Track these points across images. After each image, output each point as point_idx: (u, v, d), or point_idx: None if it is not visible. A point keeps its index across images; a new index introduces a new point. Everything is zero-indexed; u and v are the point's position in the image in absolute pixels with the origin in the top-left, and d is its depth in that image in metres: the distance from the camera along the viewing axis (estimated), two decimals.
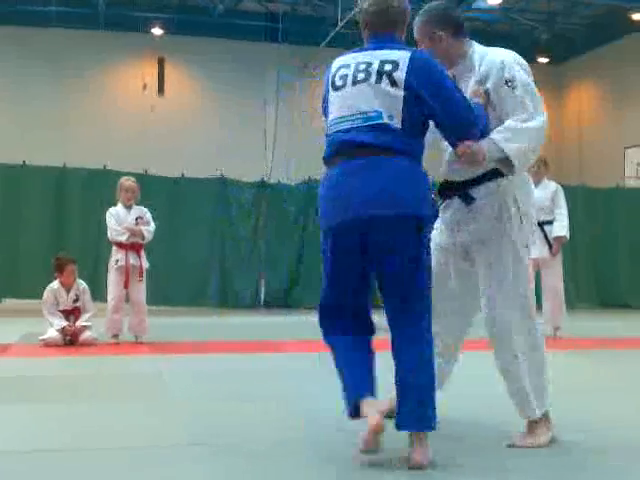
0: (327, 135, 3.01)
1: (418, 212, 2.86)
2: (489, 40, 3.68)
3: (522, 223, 3.18)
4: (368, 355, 2.98)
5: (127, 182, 7.31)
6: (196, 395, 4.45)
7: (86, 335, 6.86)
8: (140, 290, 7.21)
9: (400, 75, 2.85)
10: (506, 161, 3.05)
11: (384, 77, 2.86)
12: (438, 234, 3.33)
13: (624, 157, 17.76)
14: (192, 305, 12.27)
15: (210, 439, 3.29)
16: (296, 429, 3.50)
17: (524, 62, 3.21)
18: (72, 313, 6.94)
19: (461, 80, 3.21)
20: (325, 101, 3.07)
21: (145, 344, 7.02)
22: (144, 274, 7.21)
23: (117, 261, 7.11)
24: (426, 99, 2.86)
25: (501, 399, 3.30)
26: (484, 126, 3.03)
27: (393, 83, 2.85)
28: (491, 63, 3.17)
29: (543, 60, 18.63)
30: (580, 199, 12.82)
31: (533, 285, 3.30)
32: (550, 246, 7.56)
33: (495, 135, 3.04)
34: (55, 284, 7.00)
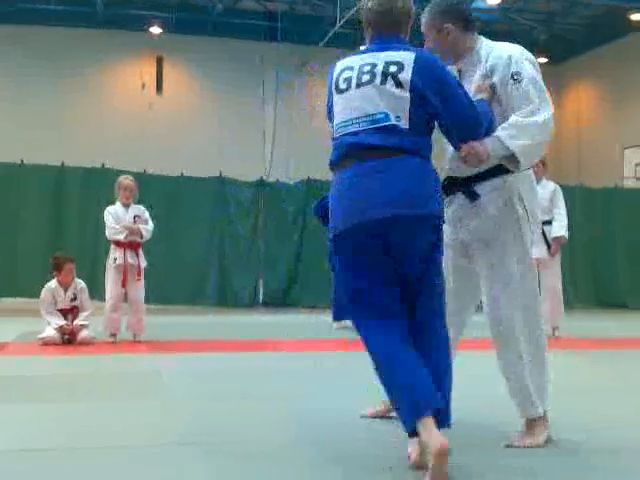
0: (334, 139, 2.98)
1: (435, 211, 2.87)
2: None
3: (528, 221, 3.18)
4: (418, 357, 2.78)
5: (125, 181, 7.30)
6: (194, 394, 4.44)
7: (84, 334, 6.85)
8: (138, 289, 7.20)
9: (405, 76, 2.83)
10: (512, 158, 3.04)
11: (389, 78, 2.84)
12: None
13: (623, 157, 17.78)
14: (190, 304, 12.26)
15: (208, 438, 3.29)
16: (295, 429, 3.49)
17: (532, 58, 3.18)
18: (70, 312, 6.93)
19: (467, 74, 3.21)
20: (329, 104, 3.04)
21: (143, 343, 7.01)
22: (142, 273, 7.20)
23: (115, 260, 7.11)
24: (431, 99, 2.85)
25: (501, 399, 3.29)
26: (489, 122, 3.01)
27: (398, 84, 2.83)
28: (498, 58, 3.15)
29: (542, 60, 18.60)
30: (578, 199, 12.82)
31: (537, 283, 3.29)
32: (549, 246, 7.56)
33: (500, 132, 3.02)
34: (53, 283, 6.99)
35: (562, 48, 18.89)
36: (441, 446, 2.49)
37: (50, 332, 6.77)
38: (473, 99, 3.00)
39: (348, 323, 10.04)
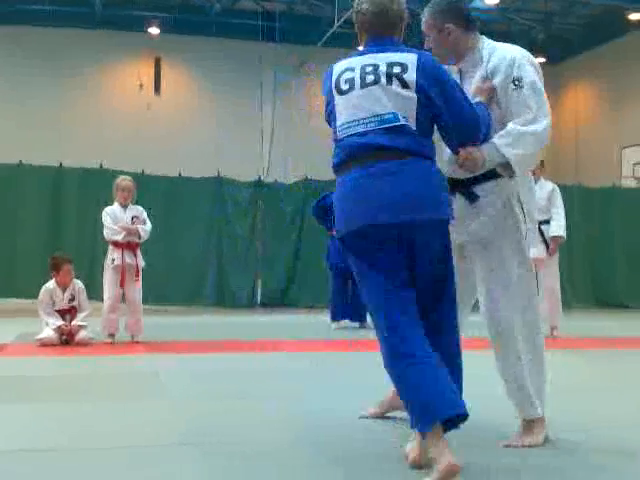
0: (337, 140, 2.93)
1: (445, 214, 2.86)
2: None
3: (526, 222, 3.17)
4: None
5: (123, 181, 7.29)
6: (193, 394, 4.44)
7: (82, 335, 6.84)
8: (136, 289, 7.20)
9: (410, 77, 2.81)
10: (507, 165, 3.04)
11: (394, 79, 2.82)
12: None
13: (621, 157, 17.80)
14: (188, 304, 12.25)
15: (207, 438, 3.28)
16: (294, 429, 3.49)
17: (535, 61, 3.15)
18: (68, 313, 6.93)
19: (467, 74, 3.20)
20: (329, 106, 2.98)
21: (141, 343, 7.01)
22: (140, 273, 7.20)
23: (113, 260, 7.10)
24: (435, 99, 2.83)
25: (500, 399, 3.29)
26: (487, 127, 3.00)
27: (404, 85, 2.81)
28: (501, 59, 3.13)
29: (540, 60, 18.50)
30: (576, 199, 12.82)
31: (535, 284, 3.29)
32: (547, 246, 7.57)
33: (497, 140, 3.01)
34: (51, 284, 6.98)
35: (560, 48, 18.91)
36: (452, 468, 2.51)
37: (48, 333, 6.76)
38: (472, 101, 2.99)
39: (346, 323, 10.06)
